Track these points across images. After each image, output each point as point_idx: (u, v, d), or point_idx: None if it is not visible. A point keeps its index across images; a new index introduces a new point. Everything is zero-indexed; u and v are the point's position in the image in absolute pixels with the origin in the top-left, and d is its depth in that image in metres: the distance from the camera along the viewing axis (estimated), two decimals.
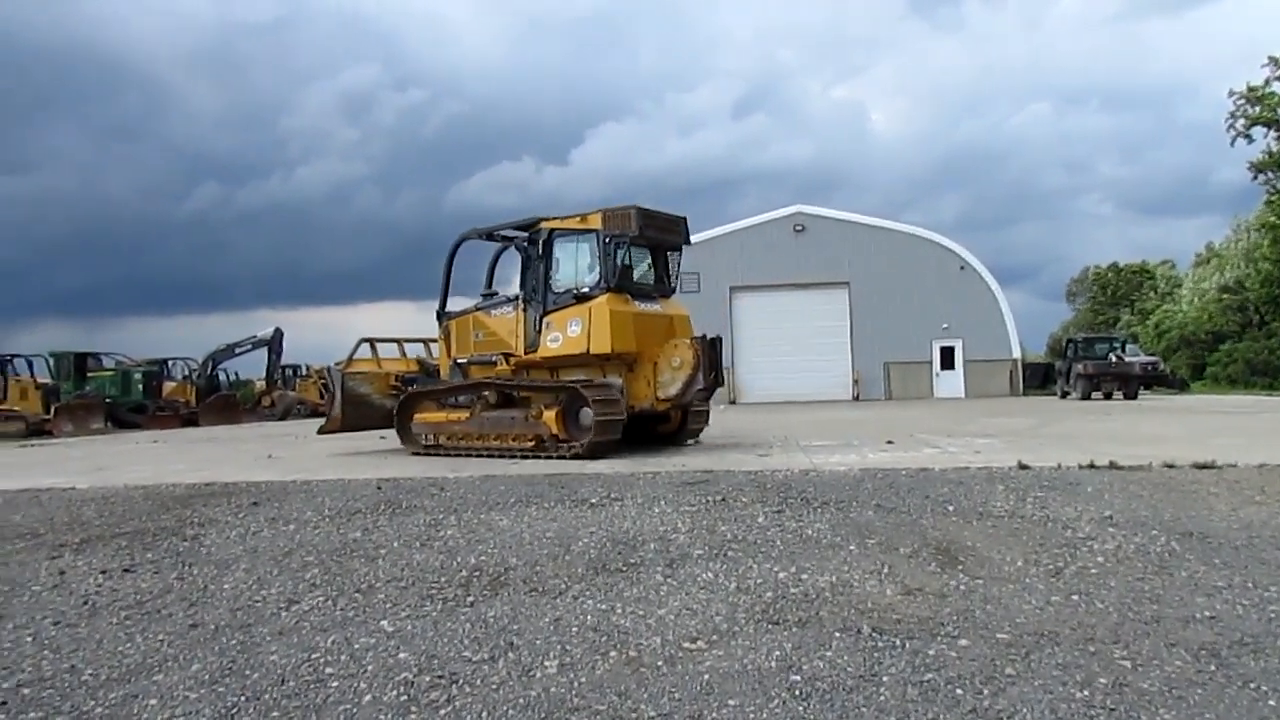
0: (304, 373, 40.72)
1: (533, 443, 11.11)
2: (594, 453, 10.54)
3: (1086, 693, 3.03)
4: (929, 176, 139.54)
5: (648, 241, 11.70)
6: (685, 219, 12.23)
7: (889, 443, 12.02)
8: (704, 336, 11.20)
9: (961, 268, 34.44)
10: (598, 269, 11.21)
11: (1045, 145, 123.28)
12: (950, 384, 34.36)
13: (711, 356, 11.06)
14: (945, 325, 34.21)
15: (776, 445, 12.18)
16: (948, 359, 34.63)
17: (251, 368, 37.92)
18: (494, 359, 12.05)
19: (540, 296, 11.52)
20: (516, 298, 11.99)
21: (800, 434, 14.23)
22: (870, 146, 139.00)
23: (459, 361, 12.56)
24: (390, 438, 14.40)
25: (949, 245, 34.92)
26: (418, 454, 12.01)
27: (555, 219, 11.67)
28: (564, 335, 11.20)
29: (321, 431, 13.83)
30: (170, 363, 34.20)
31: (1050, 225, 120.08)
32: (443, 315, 13.01)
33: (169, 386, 32.78)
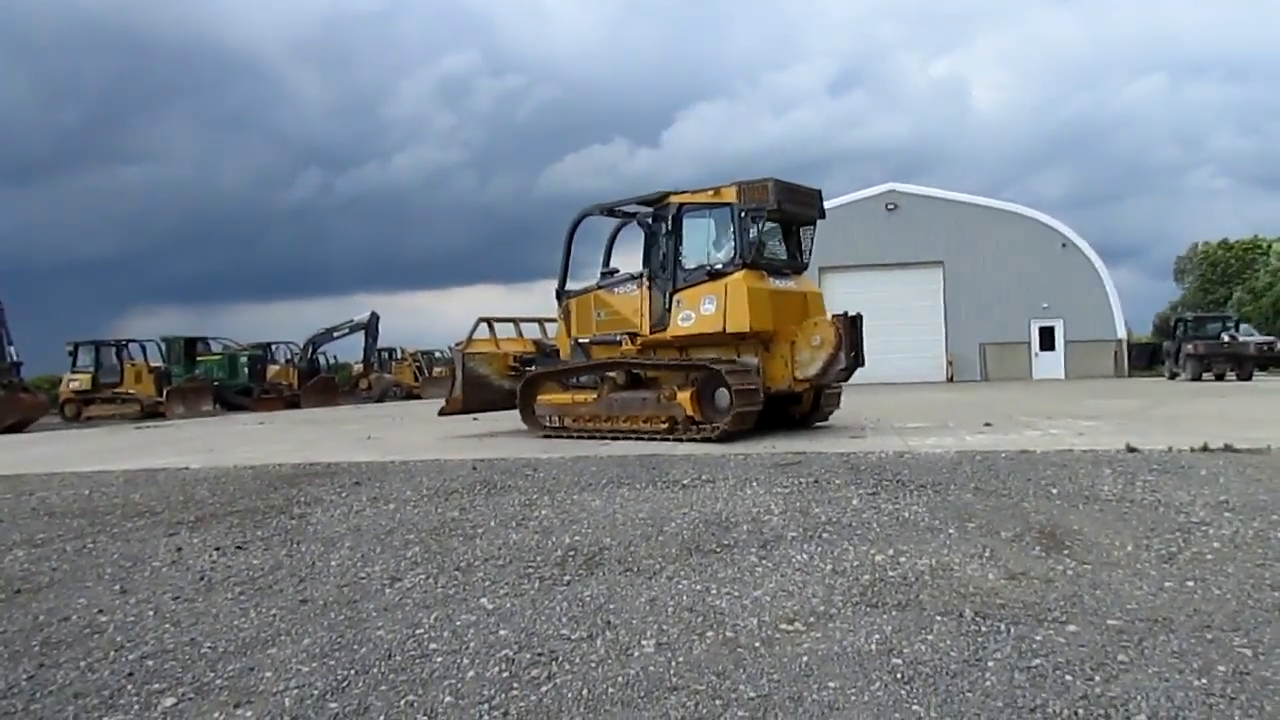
0: (399, 356, 41.77)
1: (666, 424, 10.89)
2: (732, 435, 10.35)
3: (1205, 681, 2.91)
4: (1033, 153, 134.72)
5: (783, 216, 11.31)
6: (820, 192, 11.84)
7: (986, 424, 11.71)
8: (845, 314, 10.84)
9: (1063, 245, 33.23)
10: (732, 244, 10.90)
11: (1158, 118, 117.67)
12: (1050, 365, 33.28)
13: (853, 335, 10.71)
14: (1045, 305, 33.11)
15: (869, 427, 11.98)
16: (1047, 339, 33.53)
17: (349, 351, 39.13)
18: (618, 338, 11.77)
19: (670, 273, 11.25)
20: (640, 275, 11.70)
21: (893, 416, 13.97)
22: (971, 123, 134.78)
23: (580, 341, 12.27)
24: (485, 420, 14.67)
25: (1049, 222, 33.73)
26: (547, 436, 11.82)
27: (685, 193, 11.36)
28: (697, 313, 10.90)
29: (443, 413, 13.45)
30: (273, 347, 35.46)
31: (1161, 201, 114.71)
32: (562, 294, 12.70)
33: (272, 370, 34.02)
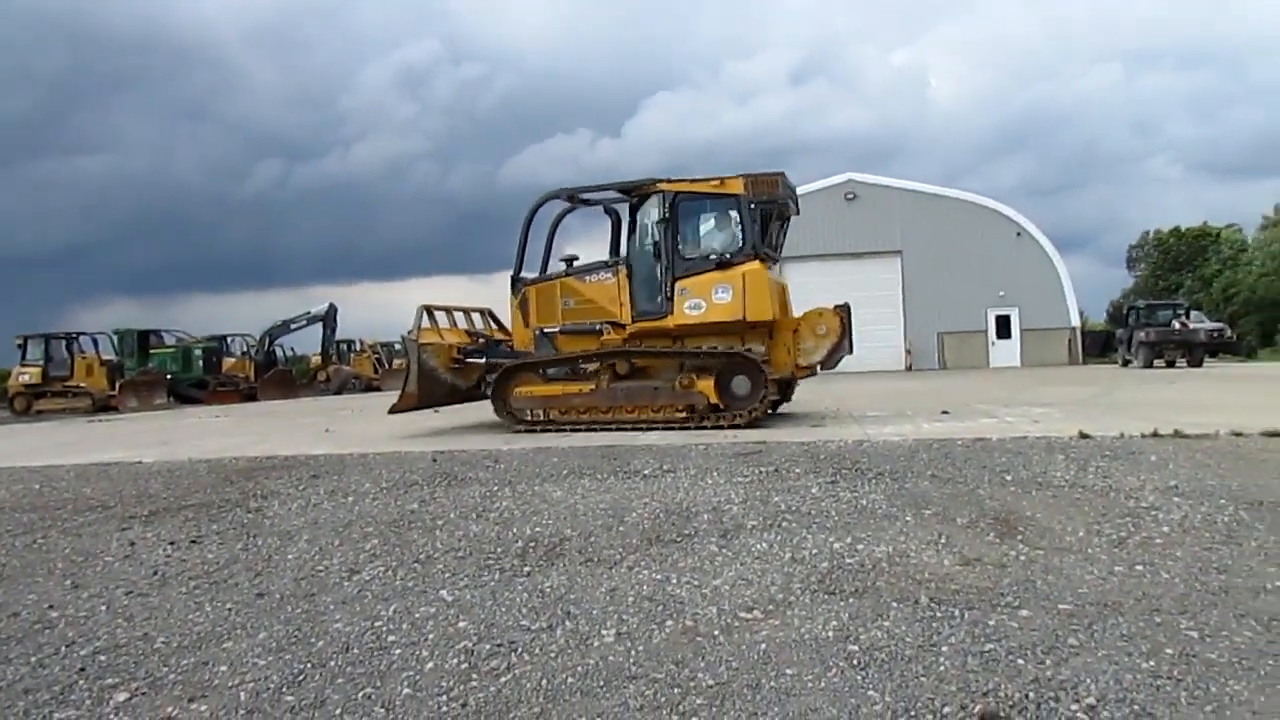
0: (358, 348, 41.37)
1: (684, 412, 10.87)
2: (757, 420, 10.61)
3: (1152, 663, 2.98)
4: (990, 142, 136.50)
5: (782, 209, 11.50)
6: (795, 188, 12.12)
7: (944, 413, 11.86)
8: (845, 305, 11.35)
9: (1018, 234, 33.74)
10: (736, 235, 11.01)
11: (1113, 107, 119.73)
12: (1006, 353, 33.80)
13: (848, 324, 11.20)
14: (1001, 293, 33.60)
15: (829, 416, 12.09)
16: (1003, 328, 34.04)
17: (307, 343, 38.65)
18: (598, 327, 11.52)
19: (667, 261, 11.13)
20: (616, 262, 11.58)
21: (853, 405, 14.11)
22: (930, 112, 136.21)
23: (546, 331, 11.84)
24: (446, 412, 14.55)
25: (1005, 212, 34.22)
26: (529, 430, 11.35)
27: (679, 181, 11.30)
28: (708, 302, 10.88)
29: (394, 410, 12.54)
30: (229, 339, 34.98)
31: (1116, 190, 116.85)
32: (518, 281, 12.18)
33: (228, 362, 33.57)
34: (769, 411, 11.21)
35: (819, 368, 11.48)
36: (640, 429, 10.82)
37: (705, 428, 10.59)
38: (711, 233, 11.38)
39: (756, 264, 10.82)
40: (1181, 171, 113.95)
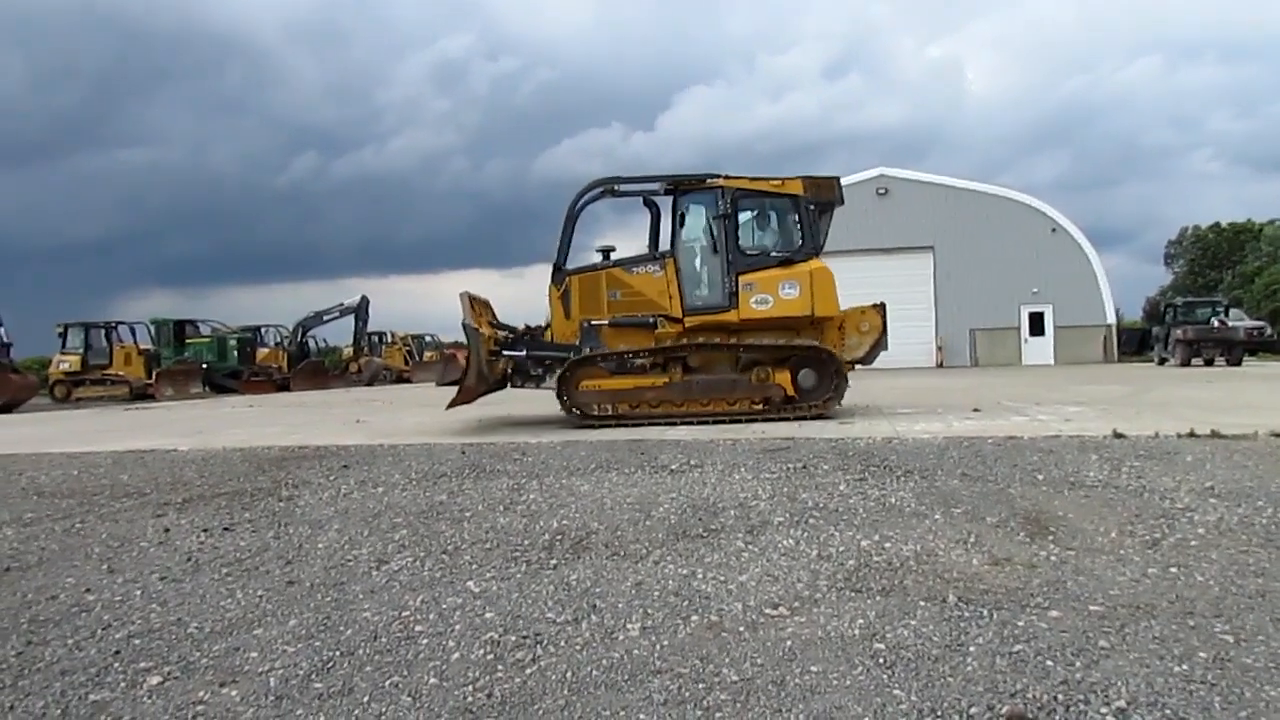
0: (389, 340, 41.73)
1: (761, 405, 11.10)
2: (826, 414, 11.02)
3: (1185, 667, 2.94)
4: (1027, 136, 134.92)
5: (828, 209, 11.88)
6: None
7: (975, 410, 11.76)
8: (881, 303, 11.83)
9: (1053, 230, 33.36)
10: (799, 233, 11.42)
11: (1153, 101, 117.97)
12: (1040, 351, 33.44)
13: (885, 321, 11.76)
14: (1035, 290, 33.26)
15: (858, 413, 12.03)
16: (1037, 325, 33.68)
17: (339, 335, 39.08)
18: (650, 320, 11.51)
19: (726, 255, 11.33)
20: (663, 255, 11.63)
21: (882, 401, 14.02)
22: (965, 106, 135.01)
23: (593, 323, 11.69)
24: (477, 403, 14.58)
25: (1039, 207, 33.84)
26: (590, 426, 11.06)
27: (739, 178, 11.55)
28: (775, 297, 11.20)
29: (454, 404, 11.77)
30: (263, 329, 35.45)
31: (1155, 185, 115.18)
32: (561, 272, 11.91)
33: (262, 353, 34.03)
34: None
35: (860, 363, 11.85)
36: (707, 422, 10.84)
37: (778, 420, 10.85)
38: (768, 230, 11.72)
39: (820, 262, 11.30)
40: (1223, 166, 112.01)
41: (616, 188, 11.94)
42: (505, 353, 12.09)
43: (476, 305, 12.01)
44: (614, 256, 11.90)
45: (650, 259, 11.74)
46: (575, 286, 11.84)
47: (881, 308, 11.73)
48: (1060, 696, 2.75)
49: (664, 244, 11.90)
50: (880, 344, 11.69)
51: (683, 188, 11.62)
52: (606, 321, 11.65)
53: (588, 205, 11.75)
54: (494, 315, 12.98)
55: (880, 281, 32.80)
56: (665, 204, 11.89)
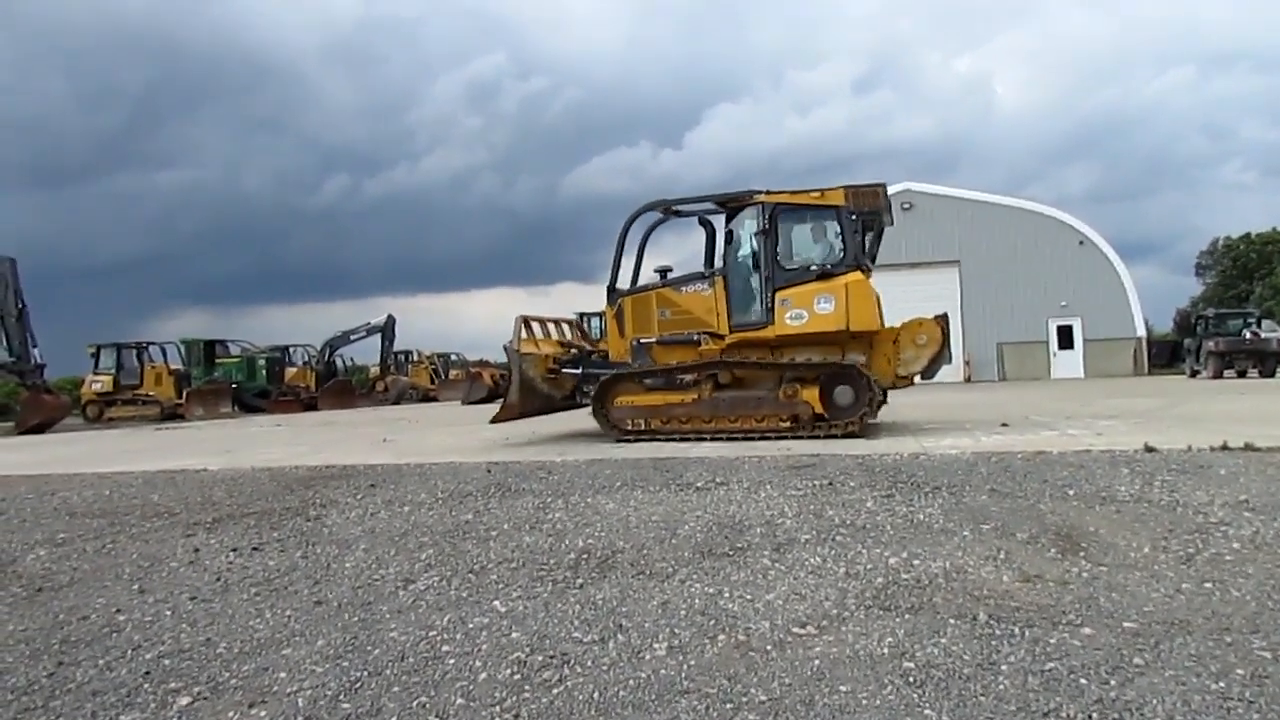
0: (416, 358, 42.01)
1: (788, 422, 10.92)
2: (857, 433, 10.65)
3: (1222, 684, 2.89)
4: (1056, 149, 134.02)
5: (875, 221, 11.59)
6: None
7: (1003, 425, 11.65)
8: (943, 314, 11.39)
9: (1080, 243, 33.09)
10: (838, 246, 11.14)
11: (1185, 111, 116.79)
12: (1068, 364, 33.11)
13: (948, 334, 11.26)
14: (1063, 303, 32.96)
15: (884, 429, 11.94)
16: (1065, 338, 33.37)
17: (366, 354, 39.40)
18: (696, 338, 11.56)
19: (768, 272, 11.23)
20: (711, 274, 11.65)
21: (909, 417, 13.92)
22: (994, 119, 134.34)
23: (643, 341, 11.88)
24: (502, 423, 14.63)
25: (1067, 220, 33.60)
26: (626, 440, 11.34)
27: (779, 193, 11.43)
28: (810, 312, 10.94)
29: (496, 420, 12.45)
30: (291, 349, 35.78)
31: (1187, 196, 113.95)
32: (614, 292, 12.20)
33: (290, 372, 34.34)
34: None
35: (918, 378, 11.43)
36: (737, 439, 10.81)
37: (805, 438, 10.60)
38: (811, 244, 11.46)
39: (858, 274, 10.91)
40: (1257, 177, 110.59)
41: (666, 209, 12.02)
42: (565, 370, 12.43)
43: (534, 325, 12.62)
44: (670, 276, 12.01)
45: (700, 277, 11.77)
46: (628, 307, 12.05)
47: (943, 319, 11.24)
48: (1095, 715, 2.71)
49: (717, 263, 11.89)
50: (941, 357, 11.18)
51: (731, 205, 11.60)
52: (655, 339, 11.78)
53: (643, 227, 11.90)
54: (566, 334, 13.38)
55: (906, 296, 32.61)
56: (720, 223, 11.92)
